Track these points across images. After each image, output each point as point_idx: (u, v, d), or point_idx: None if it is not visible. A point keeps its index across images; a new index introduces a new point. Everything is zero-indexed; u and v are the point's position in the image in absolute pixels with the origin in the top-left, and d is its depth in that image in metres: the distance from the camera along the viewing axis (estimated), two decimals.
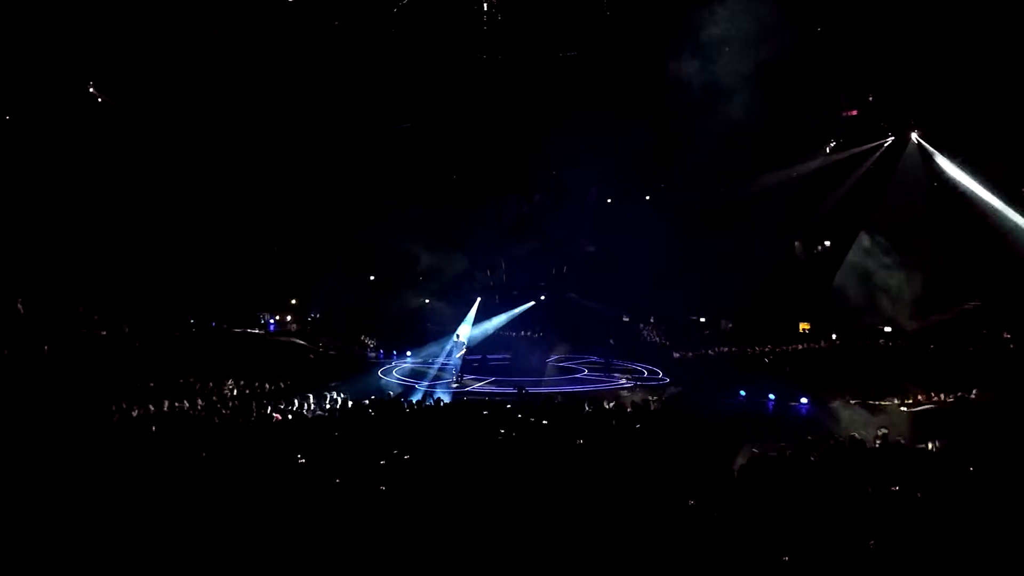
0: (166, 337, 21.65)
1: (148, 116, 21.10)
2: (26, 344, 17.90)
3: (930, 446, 10.80)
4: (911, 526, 6.96)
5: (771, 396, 17.63)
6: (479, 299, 23.95)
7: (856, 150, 23.45)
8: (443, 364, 22.48)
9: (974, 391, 16.91)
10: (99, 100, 20.25)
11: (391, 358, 24.33)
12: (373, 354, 25.33)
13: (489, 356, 24.62)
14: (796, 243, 27.08)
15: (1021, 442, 10.27)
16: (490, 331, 25.62)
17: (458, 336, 21.97)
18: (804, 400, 17.24)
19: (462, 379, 20.94)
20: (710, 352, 24.62)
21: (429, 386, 19.45)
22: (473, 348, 23.85)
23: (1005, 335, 20.80)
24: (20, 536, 6.28)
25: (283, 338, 26.13)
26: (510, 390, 18.31)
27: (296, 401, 14.71)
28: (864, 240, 22.25)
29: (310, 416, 13.49)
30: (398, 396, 16.08)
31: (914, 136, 22.14)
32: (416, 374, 21.70)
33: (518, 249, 28.69)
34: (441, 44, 19.87)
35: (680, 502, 7.29)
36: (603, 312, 28.38)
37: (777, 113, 20.94)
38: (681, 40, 18.34)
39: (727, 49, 18.42)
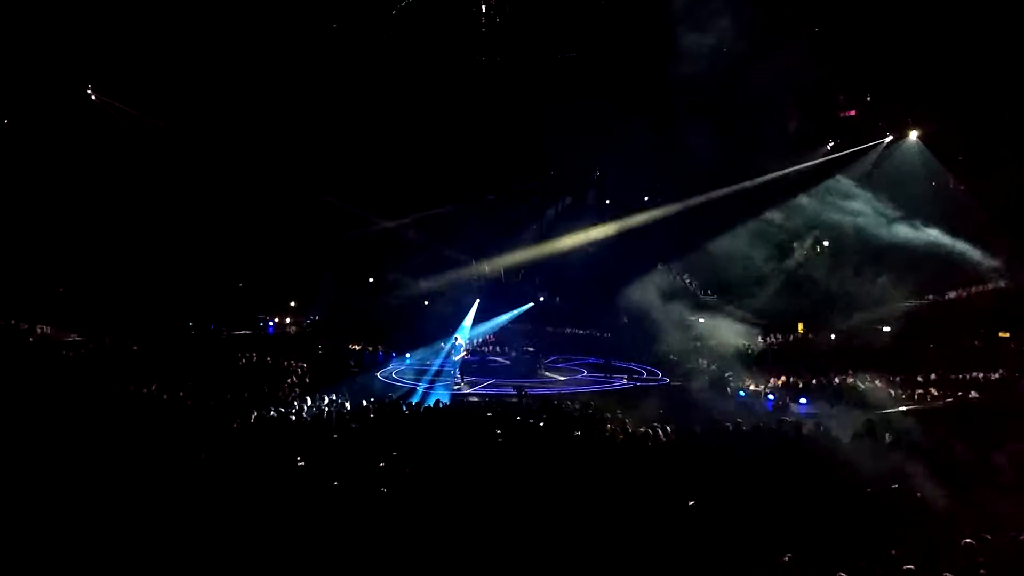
0: (166, 341, 21.65)
1: (147, 120, 21.09)
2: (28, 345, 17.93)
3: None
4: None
5: (770, 396, 17.64)
6: (477, 300, 23.94)
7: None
8: (442, 366, 22.45)
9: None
10: (98, 103, 20.24)
11: (390, 359, 24.29)
12: (372, 355, 25.30)
13: (488, 357, 24.64)
14: (794, 243, 27.09)
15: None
16: (489, 333, 25.62)
17: (457, 338, 21.97)
18: (803, 400, 17.24)
19: (462, 380, 20.93)
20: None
21: (428, 388, 19.43)
22: (472, 349, 23.84)
23: (1002, 334, 20.83)
24: (20, 533, 6.30)
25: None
26: (509, 391, 18.33)
27: (295, 403, 14.69)
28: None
29: (309, 419, 13.47)
30: (397, 398, 16.07)
31: (913, 135, 22.20)
32: (415, 375, 21.67)
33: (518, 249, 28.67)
34: (439, 46, 19.88)
35: (679, 504, 7.30)
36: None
37: (775, 113, 21.04)
38: (678, 40, 18.36)
39: (725, 50, 18.47)
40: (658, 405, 15.75)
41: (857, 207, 22.92)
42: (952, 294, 23.19)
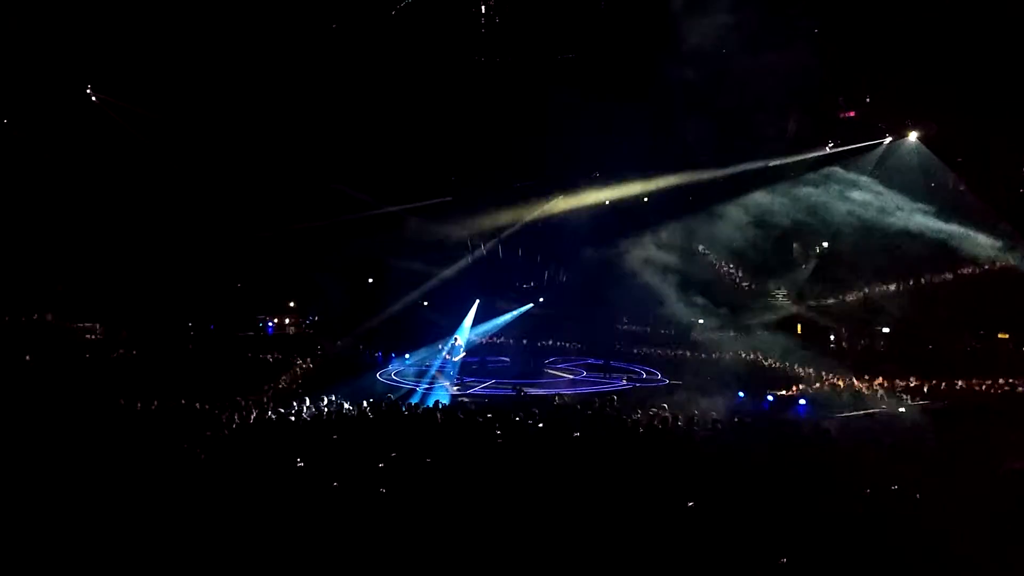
0: (167, 342, 21.68)
1: (146, 119, 21.05)
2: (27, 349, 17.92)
3: None
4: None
5: (769, 397, 17.64)
6: (477, 301, 23.96)
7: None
8: (441, 366, 22.47)
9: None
10: (97, 103, 20.19)
11: (389, 360, 24.30)
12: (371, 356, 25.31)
13: (488, 358, 24.64)
14: (795, 244, 27.11)
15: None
16: (488, 333, 25.65)
17: (456, 339, 22.02)
18: (802, 401, 17.24)
19: (461, 381, 20.95)
20: None
21: (427, 389, 19.44)
22: (472, 350, 23.87)
23: (1001, 335, 20.88)
24: (22, 535, 6.28)
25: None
26: (508, 392, 18.34)
27: (294, 404, 14.68)
28: None
29: (308, 419, 13.46)
30: (396, 399, 16.08)
31: (912, 136, 22.21)
32: (414, 376, 21.68)
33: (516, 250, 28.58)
34: (439, 46, 19.84)
35: (678, 504, 7.30)
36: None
37: (774, 114, 21.04)
38: (677, 41, 18.34)
39: (724, 51, 18.47)
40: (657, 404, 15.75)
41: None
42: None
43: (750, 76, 18.74)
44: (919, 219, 21.79)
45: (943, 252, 21.72)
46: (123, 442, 10.09)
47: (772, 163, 23.42)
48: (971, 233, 21.29)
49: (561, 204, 25.76)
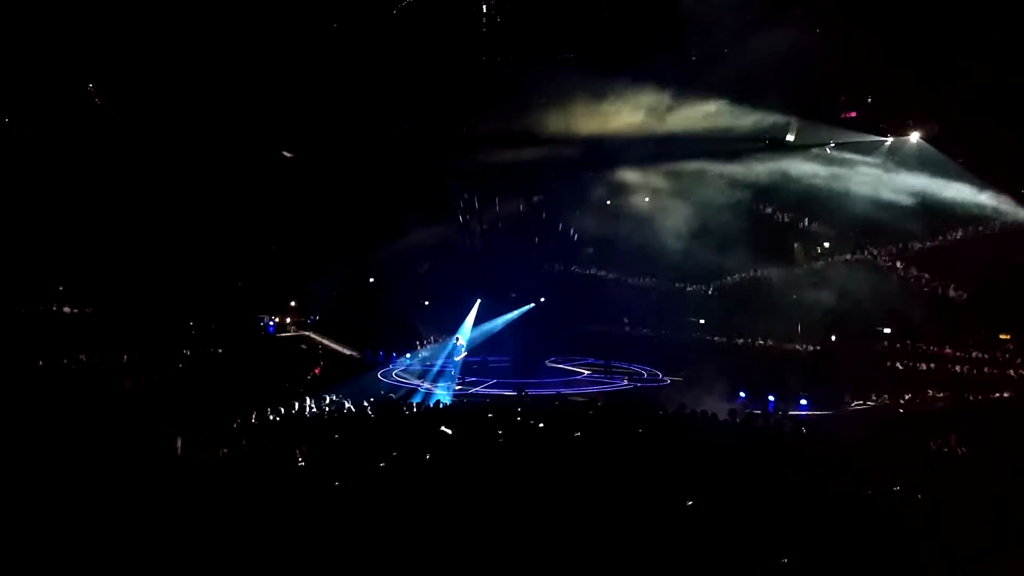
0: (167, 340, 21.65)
1: (145, 118, 21.04)
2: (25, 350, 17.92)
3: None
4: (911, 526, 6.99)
5: (771, 398, 17.63)
6: (478, 301, 23.95)
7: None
8: (443, 366, 22.48)
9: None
10: (98, 102, 20.19)
11: (391, 360, 24.31)
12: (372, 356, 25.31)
13: (489, 358, 24.64)
14: (795, 245, 27.07)
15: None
16: (490, 333, 25.64)
17: (458, 338, 22.03)
18: (803, 402, 17.24)
19: (463, 381, 20.96)
20: None
21: (429, 389, 19.45)
22: (473, 350, 23.87)
23: (1002, 336, 20.81)
24: (18, 532, 6.30)
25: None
26: (511, 392, 18.33)
27: (295, 403, 14.70)
28: None
29: (309, 418, 13.48)
30: (398, 399, 16.11)
31: (914, 136, 22.14)
32: (416, 376, 21.69)
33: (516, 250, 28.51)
34: (440, 46, 19.84)
35: (677, 504, 7.30)
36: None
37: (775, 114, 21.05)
38: (678, 43, 18.36)
39: (725, 51, 18.50)
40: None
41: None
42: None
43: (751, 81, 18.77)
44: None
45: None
46: (121, 441, 10.11)
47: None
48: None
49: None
